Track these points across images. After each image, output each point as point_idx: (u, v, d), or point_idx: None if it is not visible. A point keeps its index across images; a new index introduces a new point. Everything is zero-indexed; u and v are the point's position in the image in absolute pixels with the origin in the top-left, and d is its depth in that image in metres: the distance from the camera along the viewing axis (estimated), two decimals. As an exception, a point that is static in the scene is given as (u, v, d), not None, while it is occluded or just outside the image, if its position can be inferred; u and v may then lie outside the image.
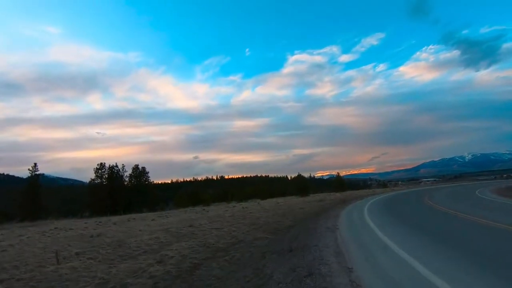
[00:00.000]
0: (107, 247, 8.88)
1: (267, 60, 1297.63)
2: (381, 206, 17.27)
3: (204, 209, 27.13)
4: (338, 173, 64.56)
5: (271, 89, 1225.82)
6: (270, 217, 13.99)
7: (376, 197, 26.89)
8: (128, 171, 58.99)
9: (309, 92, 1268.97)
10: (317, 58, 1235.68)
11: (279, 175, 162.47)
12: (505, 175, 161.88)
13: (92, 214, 45.08)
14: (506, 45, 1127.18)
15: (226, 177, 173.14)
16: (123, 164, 57.99)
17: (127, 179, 58.41)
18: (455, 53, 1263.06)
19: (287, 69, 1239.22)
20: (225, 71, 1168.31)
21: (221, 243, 7.83)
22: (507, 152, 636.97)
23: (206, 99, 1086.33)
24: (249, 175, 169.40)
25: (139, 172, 60.97)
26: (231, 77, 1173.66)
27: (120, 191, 51.98)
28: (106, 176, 55.24)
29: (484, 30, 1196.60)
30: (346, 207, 16.67)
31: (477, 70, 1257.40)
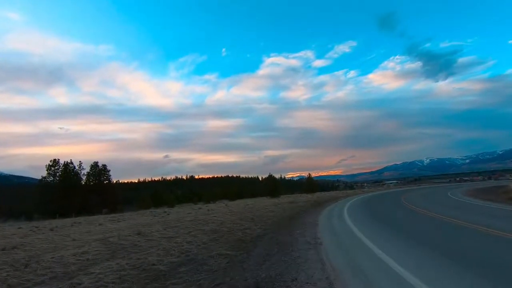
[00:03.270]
0: (7, 268, 6.43)
1: (243, 61, 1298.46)
2: (362, 209, 15.76)
3: (165, 212, 24.52)
4: (309, 174, 64.03)
5: (246, 90, 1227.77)
6: (237, 222, 12.06)
7: (350, 199, 25.92)
8: (87, 169, 54.03)
9: (283, 94, 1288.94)
10: (293, 61, 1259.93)
11: (250, 176, 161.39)
12: (458, 179, 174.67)
13: (41, 216, 40.21)
14: (461, 59, 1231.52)
15: (196, 177, 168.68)
16: (80, 161, 52.88)
17: (84, 177, 53.52)
18: (417, 64, 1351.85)
19: (262, 71, 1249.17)
20: (201, 69, 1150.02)
21: (164, 263, 5.76)
22: (460, 157, 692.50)
23: (179, 97, 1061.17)
24: (220, 176, 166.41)
25: (99, 170, 56.02)
26: (207, 76, 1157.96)
27: (74, 191, 46.97)
28: (60, 174, 50.02)
29: (444, 44, 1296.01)
30: (322, 211, 14.92)
31: (436, 81, 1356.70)
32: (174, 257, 6.25)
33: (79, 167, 52.25)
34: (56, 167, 49.98)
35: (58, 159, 50.28)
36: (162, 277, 4.82)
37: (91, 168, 54.49)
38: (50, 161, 49.86)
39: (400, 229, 8.52)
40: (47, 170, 49.30)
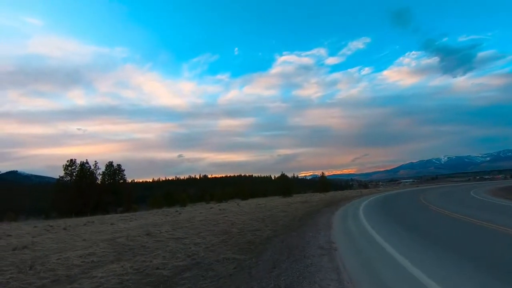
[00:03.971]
0: (12, 270, 6.32)
1: (255, 60, 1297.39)
2: (379, 210, 14.40)
3: (177, 211, 24.49)
4: (322, 173, 63.20)
5: (258, 89, 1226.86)
6: (247, 222, 11.72)
7: (365, 198, 24.97)
8: (102, 169, 55.08)
9: (296, 93, 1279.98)
10: (305, 59, 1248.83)
11: (262, 175, 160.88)
12: (478, 177, 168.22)
13: (58, 215, 41.24)
14: (481, 54, 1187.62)
15: (209, 176, 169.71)
16: (95, 161, 53.92)
17: (99, 177, 54.59)
18: (434, 59, 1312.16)
19: (275, 70, 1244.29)
20: (213, 69, 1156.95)
21: (169, 267, 5.47)
22: (479, 155, 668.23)
23: (192, 97, 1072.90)
24: (232, 175, 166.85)
25: (114, 170, 56.98)
26: (219, 76, 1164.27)
27: (90, 190, 47.92)
28: (76, 173, 51.21)
29: (462, 38, 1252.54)
30: (336, 212, 14.13)
31: (454, 77, 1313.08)
32: (179, 261, 5.95)
33: (95, 166, 53.23)
34: (72, 167, 51.11)
35: (75, 159, 51.43)
36: (164, 283, 4.52)
37: (106, 167, 55.47)
38: (67, 161, 51.04)
39: (425, 235, 7.28)
40: (64, 170, 50.53)
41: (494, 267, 4.24)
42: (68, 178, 50.51)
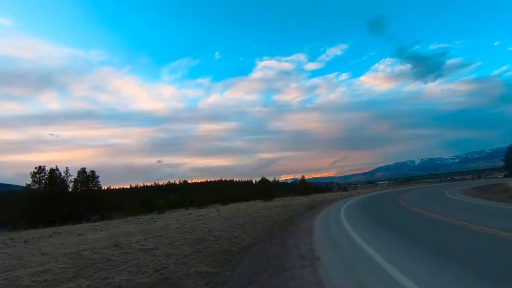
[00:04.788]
0: None
1: (236, 65, 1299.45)
2: (361, 213, 14.04)
3: (153, 218, 23.36)
4: (303, 176, 63.32)
5: (239, 94, 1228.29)
6: (225, 229, 11.13)
7: (345, 201, 24.99)
8: (74, 176, 52.31)
9: (276, 97, 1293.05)
10: (285, 65, 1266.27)
11: (244, 179, 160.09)
12: (448, 178, 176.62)
13: (25, 226, 38.43)
14: (449, 61, 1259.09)
15: (189, 181, 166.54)
16: (67, 168, 51.17)
17: (71, 184, 51.76)
18: (407, 66, 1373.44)
19: (255, 74, 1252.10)
20: (194, 73, 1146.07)
21: (132, 285, 4.82)
22: (450, 157, 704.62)
23: (172, 101, 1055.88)
24: (213, 180, 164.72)
25: (87, 177, 54.31)
26: (200, 80, 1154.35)
27: (60, 199, 45.18)
28: (45, 181, 48.22)
29: (433, 46, 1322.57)
30: (318, 216, 13.76)
31: (425, 83, 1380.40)
32: (146, 276, 5.30)
33: (66, 173, 50.54)
34: (41, 174, 48.18)
35: (44, 166, 48.57)
36: (123, 306, 3.89)
37: (78, 174, 52.82)
38: (35, 168, 48.11)
39: (410, 238, 7.02)
40: (31, 178, 47.49)
41: (477, 265, 4.25)
42: (37, 186, 47.52)
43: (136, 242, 9.99)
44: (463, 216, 10.02)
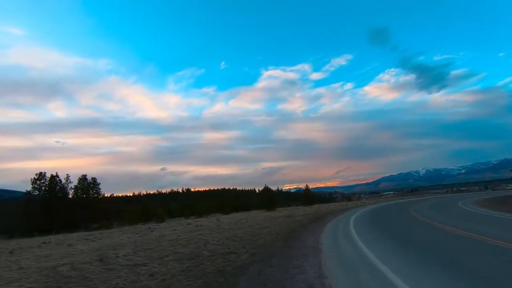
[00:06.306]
0: None
1: (241, 74, 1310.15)
2: (373, 227, 12.66)
3: (150, 228, 22.38)
4: (306, 186, 61.91)
5: (244, 103, 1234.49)
6: (222, 242, 10.16)
7: (352, 212, 23.69)
8: (74, 183, 51.62)
9: (281, 107, 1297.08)
10: (290, 74, 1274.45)
11: (247, 188, 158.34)
12: (455, 189, 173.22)
13: (22, 233, 37.58)
14: (454, 72, 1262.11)
15: (192, 190, 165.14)
16: (67, 174, 50.56)
17: (71, 191, 51.04)
18: (411, 76, 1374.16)
19: (260, 84, 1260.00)
20: (199, 83, 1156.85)
21: (98, 317, 3.90)
22: (455, 167, 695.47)
23: (177, 110, 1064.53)
24: (216, 188, 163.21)
25: (88, 184, 53.58)
26: (205, 89, 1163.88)
27: (58, 206, 44.37)
28: (45, 188, 47.61)
29: (437, 57, 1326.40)
30: (324, 229, 12.38)
31: (430, 93, 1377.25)
32: (118, 304, 4.38)
33: (66, 180, 49.92)
34: (41, 181, 47.61)
35: (45, 172, 48.03)
36: None
37: (79, 181, 52.10)
38: (36, 174, 47.57)
39: (440, 260, 5.68)
40: (32, 184, 46.92)
41: None
42: (37, 192, 46.90)
43: (124, 256, 9.05)
44: (496, 233, 8.53)
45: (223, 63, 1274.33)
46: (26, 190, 47.43)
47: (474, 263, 5.43)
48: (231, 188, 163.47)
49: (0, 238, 36.85)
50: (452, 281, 4.47)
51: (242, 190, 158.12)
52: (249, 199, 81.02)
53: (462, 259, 5.87)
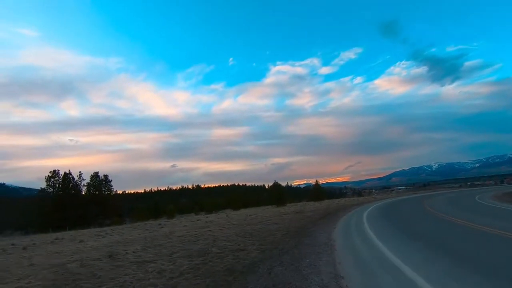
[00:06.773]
0: None
1: (250, 70, 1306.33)
2: (388, 223, 11.96)
3: (160, 224, 22.51)
4: (316, 181, 61.27)
5: (253, 99, 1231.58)
6: (232, 238, 10.00)
7: (364, 208, 23.20)
8: (87, 180, 52.53)
9: (289, 102, 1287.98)
10: (298, 69, 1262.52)
11: (256, 184, 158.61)
12: (469, 183, 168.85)
13: (37, 229, 38.56)
14: (467, 63, 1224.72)
15: (202, 186, 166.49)
16: (80, 172, 51.45)
17: (84, 188, 52.00)
18: (423, 69, 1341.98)
19: (269, 79, 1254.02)
20: (208, 79, 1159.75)
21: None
22: (469, 161, 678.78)
23: (186, 107, 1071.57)
24: (226, 184, 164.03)
25: (100, 181, 54.48)
26: (213, 86, 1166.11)
27: (71, 203, 45.26)
28: (59, 185, 48.64)
29: (450, 48, 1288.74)
30: (336, 225, 12.10)
31: (443, 85, 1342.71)
32: (125, 304, 4.24)
33: (79, 177, 50.85)
34: (55, 178, 48.62)
35: (58, 170, 49.03)
36: None
37: (91, 178, 53.00)
38: (50, 172, 48.59)
39: (467, 260, 4.92)
40: (46, 182, 48.02)
41: None
42: (51, 189, 47.96)
43: (133, 252, 9.01)
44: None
45: (231, 59, 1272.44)
46: (40, 188, 48.59)
47: (500, 258, 4.85)
48: (241, 184, 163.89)
49: (16, 235, 38.04)
50: (473, 275, 3.98)
51: (252, 186, 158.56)
52: (259, 195, 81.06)
53: (491, 257, 5.05)
